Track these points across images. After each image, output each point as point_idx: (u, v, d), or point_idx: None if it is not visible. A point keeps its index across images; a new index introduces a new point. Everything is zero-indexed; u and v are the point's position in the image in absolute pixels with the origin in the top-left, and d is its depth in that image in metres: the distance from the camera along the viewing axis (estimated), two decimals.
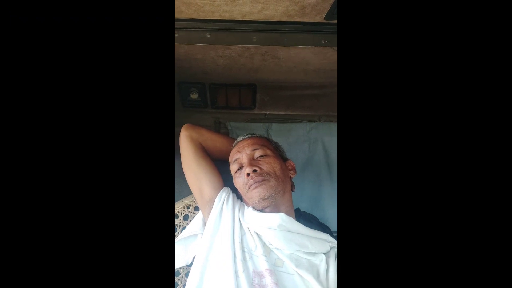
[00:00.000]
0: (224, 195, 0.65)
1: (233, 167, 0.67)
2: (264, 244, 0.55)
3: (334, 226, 1.10)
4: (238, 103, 1.16)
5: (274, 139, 1.26)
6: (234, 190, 0.70)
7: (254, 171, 0.61)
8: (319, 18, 0.65)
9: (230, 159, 0.69)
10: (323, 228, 0.85)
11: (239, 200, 0.67)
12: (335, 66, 0.96)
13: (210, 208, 0.64)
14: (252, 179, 0.61)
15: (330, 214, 1.18)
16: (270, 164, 0.63)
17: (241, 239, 0.56)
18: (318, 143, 1.22)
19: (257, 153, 0.65)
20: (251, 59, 0.88)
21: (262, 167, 0.62)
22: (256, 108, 1.18)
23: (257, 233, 0.57)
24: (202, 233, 0.66)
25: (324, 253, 0.55)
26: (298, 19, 0.66)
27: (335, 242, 0.57)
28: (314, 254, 0.54)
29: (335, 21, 0.66)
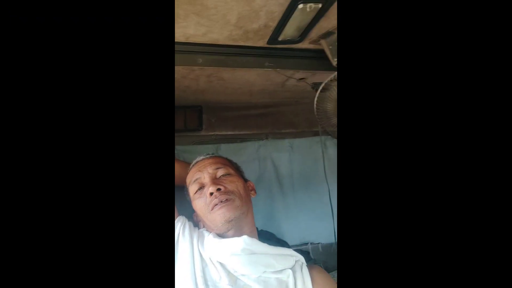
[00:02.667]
0: (179, 225, 0.60)
1: (192, 188, 0.63)
2: (228, 273, 0.51)
3: (290, 241, 1.11)
4: (183, 125, 1.11)
5: None
6: (189, 219, 0.65)
7: (218, 189, 0.58)
8: (262, 43, 0.68)
9: (188, 180, 0.65)
10: (282, 243, 0.85)
11: (197, 229, 0.62)
12: (278, 87, 1.02)
13: None
14: (216, 198, 0.57)
15: (285, 228, 1.20)
16: (234, 183, 0.61)
17: (203, 272, 0.51)
18: (267, 160, 1.25)
19: (220, 172, 0.63)
20: (196, 80, 0.86)
21: (226, 185, 0.59)
22: (204, 129, 1.16)
23: (220, 263, 0.53)
24: None
25: (290, 268, 0.54)
26: (242, 43, 0.68)
27: (299, 255, 0.58)
28: (281, 271, 0.53)
29: (277, 46, 0.71)
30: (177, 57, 0.70)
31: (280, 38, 0.65)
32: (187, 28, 0.59)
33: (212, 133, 1.18)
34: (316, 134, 1.36)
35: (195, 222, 0.65)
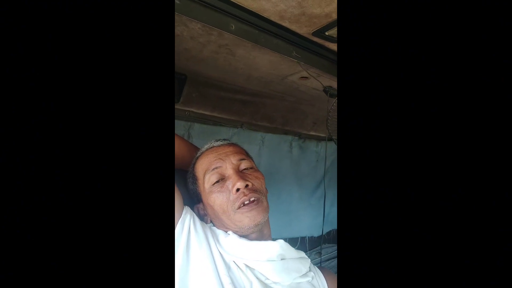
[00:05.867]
0: (188, 217, 0.48)
1: (209, 178, 0.52)
2: (258, 280, 0.45)
3: None
4: None
5: (195, 141, 1.11)
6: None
7: (246, 186, 0.50)
8: (305, 30, 0.63)
9: (203, 167, 0.53)
10: None
11: (204, 223, 0.52)
12: (277, 79, 0.98)
13: None
14: (245, 195, 0.49)
15: None
16: (259, 180, 0.53)
17: (230, 279, 0.43)
18: None
19: (243, 165, 0.53)
20: (203, 46, 0.73)
21: (253, 182, 0.51)
22: (180, 102, 1.00)
23: (248, 267, 0.46)
24: None
25: (310, 270, 0.53)
26: (286, 24, 0.61)
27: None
28: (306, 274, 0.51)
29: (317, 40, 0.67)
30: (210, 13, 0.57)
31: (327, 33, 0.62)
32: None
33: (188, 109, 1.04)
34: (286, 132, 1.39)
35: (200, 215, 0.55)
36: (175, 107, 1.01)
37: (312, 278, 0.52)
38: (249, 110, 1.16)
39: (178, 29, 0.65)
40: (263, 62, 0.83)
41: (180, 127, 1.03)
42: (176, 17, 0.58)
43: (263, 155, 1.30)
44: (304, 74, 0.89)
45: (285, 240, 1.56)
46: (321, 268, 0.59)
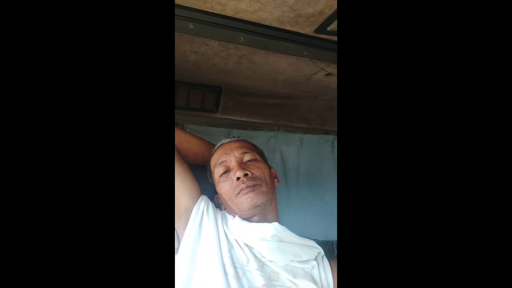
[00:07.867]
0: (203, 204, 0.58)
1: (217, 170, 0.61)
2: (256, 258, 0.51)
3: None
4: (200, 105, 1.08)
5: None
6: (211, 200, 0.64)
7: (246, 175, 0.57)
8: (308, 30, 0.67)
9: (213, 162, 0.63)
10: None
11: (219, 210, 0.61)
12: (303, 80, 1.01)
13: (186, 220, 0.56)
14: (244, 183, 0.56)
15: (284, 221, 1.21)
16: (260, 169, 0.60)
17: (230, 254, 0.50)
18: (276, 152, 1.25)
19: (247, 157, 0.61)
20: (226, 59, 0.84)
21: (253, 171, 0.58)
22: (219, 112, 1.13)
23: (247, 246, 0.52)
24: (177, 249, 0.57)
25: (314, 260, 0.55)
26: (288, 27, 0.66)
27: (319, 247, 0.58)
28: (306, 261, 0.54)
29: (322, 36, 0.69)
30: (220, 31, 0.67)
31: (329, 28, 0.64)
32: (241, 2, 0.57)
33: (227, 117, 1.16)
34: (326, 132, 1.37)
35: (217, 204, 0.64)
36: (216, 115, 1.15)
37: (313, 268, 0.53)
38: (283, 112, 1.21)
39: (201, 49, 0.77)
40: (283, 65, 0.88)
41: (220, 133, 1.16)
42: (197, 39, 0.70)
43: (303, 156, 1.31)
44: (327, 71, 0.90)
45: (334, 242, 1.52)
46: (331, 259, 0.59)
